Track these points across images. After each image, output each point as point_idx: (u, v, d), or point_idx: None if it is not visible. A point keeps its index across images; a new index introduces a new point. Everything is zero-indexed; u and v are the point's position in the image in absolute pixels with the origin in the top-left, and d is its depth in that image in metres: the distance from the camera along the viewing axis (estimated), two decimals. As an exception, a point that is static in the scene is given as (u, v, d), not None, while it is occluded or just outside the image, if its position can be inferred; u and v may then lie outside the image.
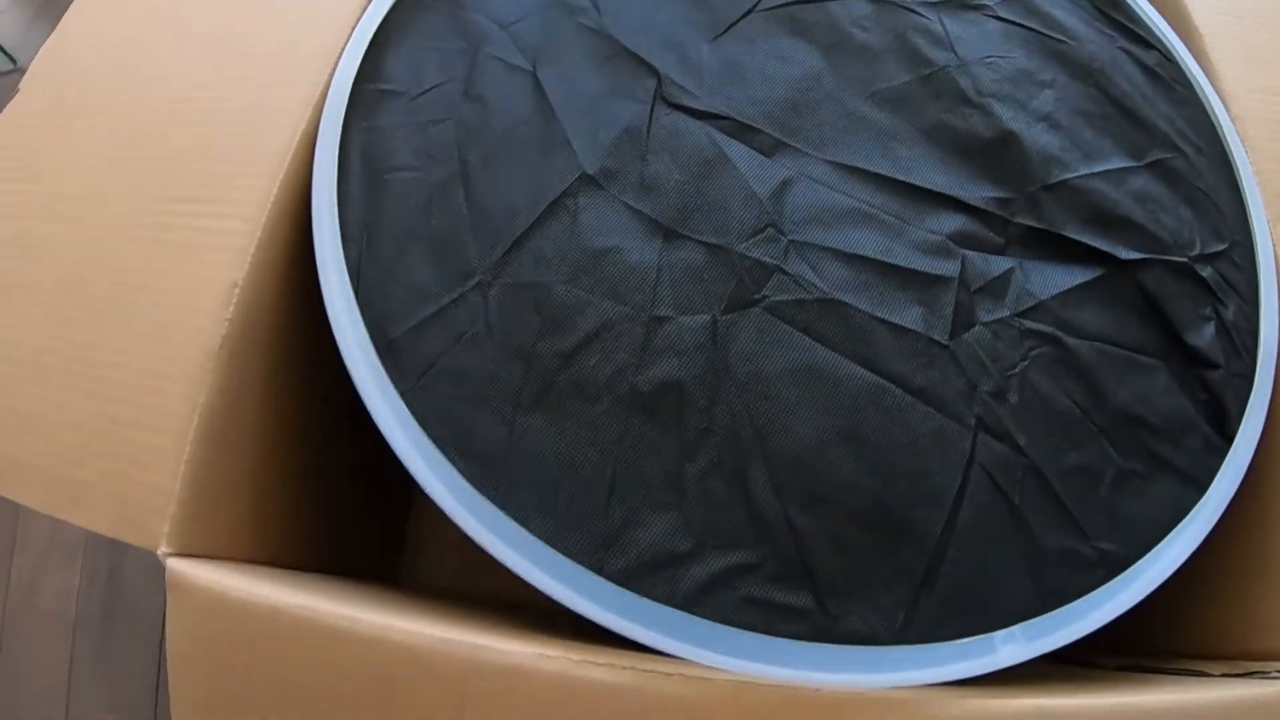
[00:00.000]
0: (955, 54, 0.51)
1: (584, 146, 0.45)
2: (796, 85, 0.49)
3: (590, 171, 0.45)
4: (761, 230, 0.43)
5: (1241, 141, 0.55)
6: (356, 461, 0.61)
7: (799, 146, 0.47)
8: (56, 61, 0.58)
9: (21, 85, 0.57)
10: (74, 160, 0.52)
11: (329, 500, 0.58)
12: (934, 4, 0.53)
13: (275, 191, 0.46)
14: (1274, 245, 0.52)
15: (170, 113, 0.52)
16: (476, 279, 0.42)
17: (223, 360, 0.43)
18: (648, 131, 0.46)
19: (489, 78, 0.48)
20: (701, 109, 0.47)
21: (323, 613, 0.38)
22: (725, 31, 0.50)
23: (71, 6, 0.61)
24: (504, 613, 0.47)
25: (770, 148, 0.46)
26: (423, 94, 0.48)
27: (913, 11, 0.52)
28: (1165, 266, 0.47)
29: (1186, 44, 0.59)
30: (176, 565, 0.41)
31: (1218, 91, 0.57)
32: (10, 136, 0.55)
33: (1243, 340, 0.48)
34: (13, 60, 1.56)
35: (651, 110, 0.47)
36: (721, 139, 0.46)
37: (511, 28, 0.50)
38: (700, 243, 0.43)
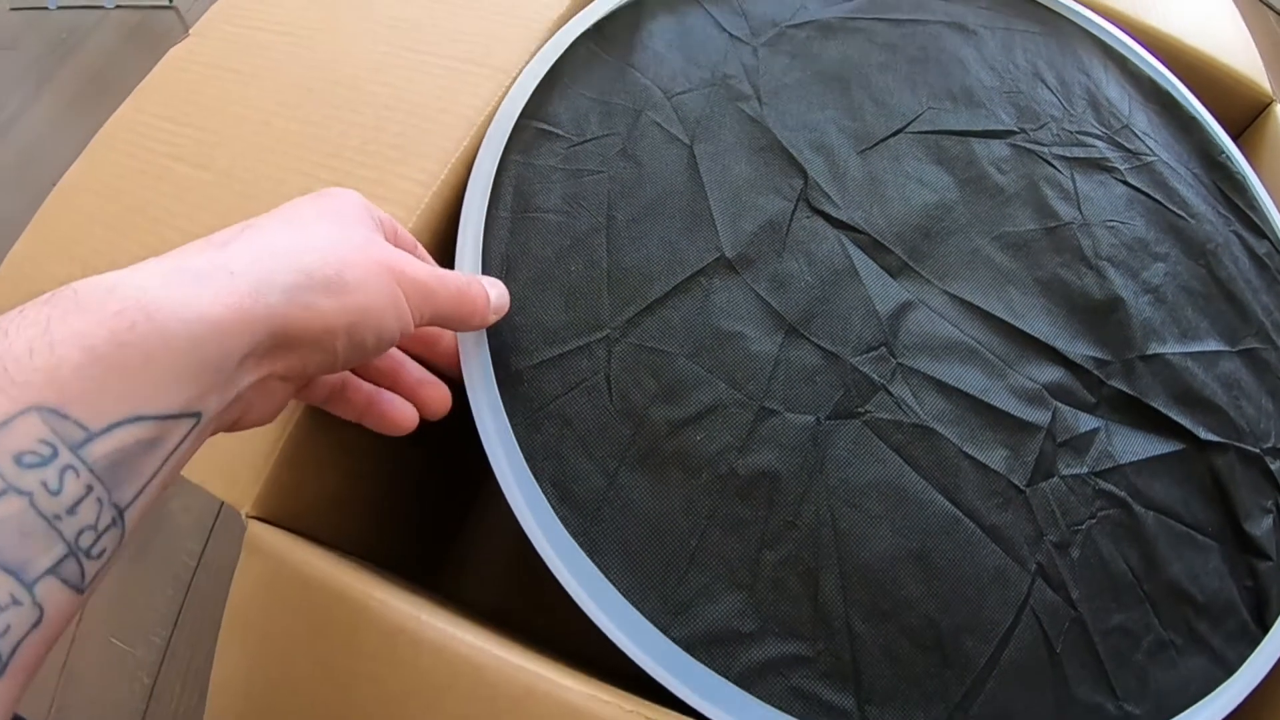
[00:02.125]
0: (1080, 212, 0.53)
1: (726, 229, 0.48)
2: (931, 212, 0.51)
3: (729, 255, 0.47)
4: (875, 348, 0.46)
5: None
6: (432, 476, 0.63)
7: (923, 273, 0.49)
8: (231, 16, 0.60)
9: (193, 30, 0.59)
10: (233, 114, 0.54)
11: (401, 503, 0.60)
12: (1069, 159, 0.55)
13: (428, 199, 0.49)
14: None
15: (339, 91, 0.54)
16: (605, 333, 0.45)
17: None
18: (788, 229, 0.48)
19: (648, 142, 0.50)
20: (841, 219, 0.49)
21: (391, 607, 0.40)
22: (874, 146, 0.53)
23: None
24: (541, 649, 0.48)
25: (897, 269, 0.49)
26: (582, 142, 0.50)
27: (1048, 163, 0.54)
28: (1239, 454, 0.49)
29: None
30: (257, 529, 0.43)
31: None
32: (173, 78, 0.57)
33: (1298, 538, 0.49)
34: None
35: (794, 210, 0.49)
36: (854, 251, 0.48)
37: (675, 98, 0.52)
38: (818, 346, 0.45)
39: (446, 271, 0.39)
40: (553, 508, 0.42)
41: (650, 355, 0.44)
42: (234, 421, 0.34)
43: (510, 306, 0.45)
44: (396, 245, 0.40)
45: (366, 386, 0.43)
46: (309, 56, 0.56)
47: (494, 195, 0.49)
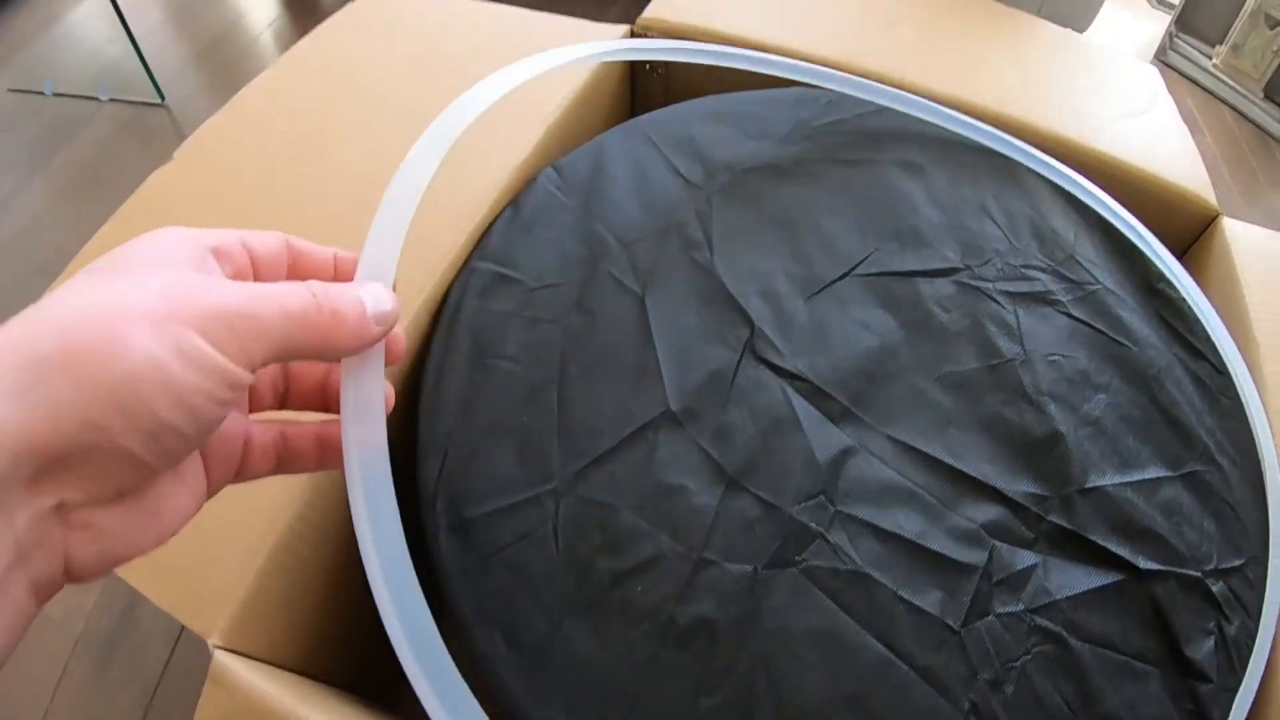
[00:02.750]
0: (1023, 348, 0.55)
1: (673, 382, 0.50)
2: (874, 356, 0.53)
3: (674, 409, 0.49)
4: (814, 496, 0.47)
5: (1277, 456, 0.57)
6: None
7: (865, 418, 0.51)
8: (213, 143, 0.63)
9: (177, 154, 0.62)
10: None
11: (373, 628, 0.61)
12: (1012, 294, 0.57)
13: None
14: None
15: (308, 231, 0.56)
16: (554, 485, 0.47)
17: (308, 489, 0.48)
18: (733, 380, 0.50)
19: (601, 292, 0.53)
20: (785, 367, 0.51)
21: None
22: (820, 291, 0.55)
23: (238, 96, 0.67)
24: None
25: (839, 415, 0.51)
26: (540, 289, 0.53)
27: (992, 299, 0.56)
28: (1179, 580, 0.50)
29: (1244, 353, 0.62)
30: (223, 659, 0.45)
31: (1264, 404, 0.60)
32: (153, 203, 0.60)
33: (1241, 656, 0.50)
34: (162, 95, 1.64)
35: (740, 360, 0.51)
36: (797, 400, 0.50)
37: (630, 247, 0.55)
38: (757, 497, 0.47)
39: (281, 285, 0.30)
40: (500, 652, 0.44)
41: (596, 508, 0.46)
42: (50, 580, 0.26)
43: (465, 453, 0.47)
44: (258, 273, 0.33)
45: (309, 425, 0.36)
46: (285, 194, 0.59)
47: (451, 338, 0.51)
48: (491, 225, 0.57)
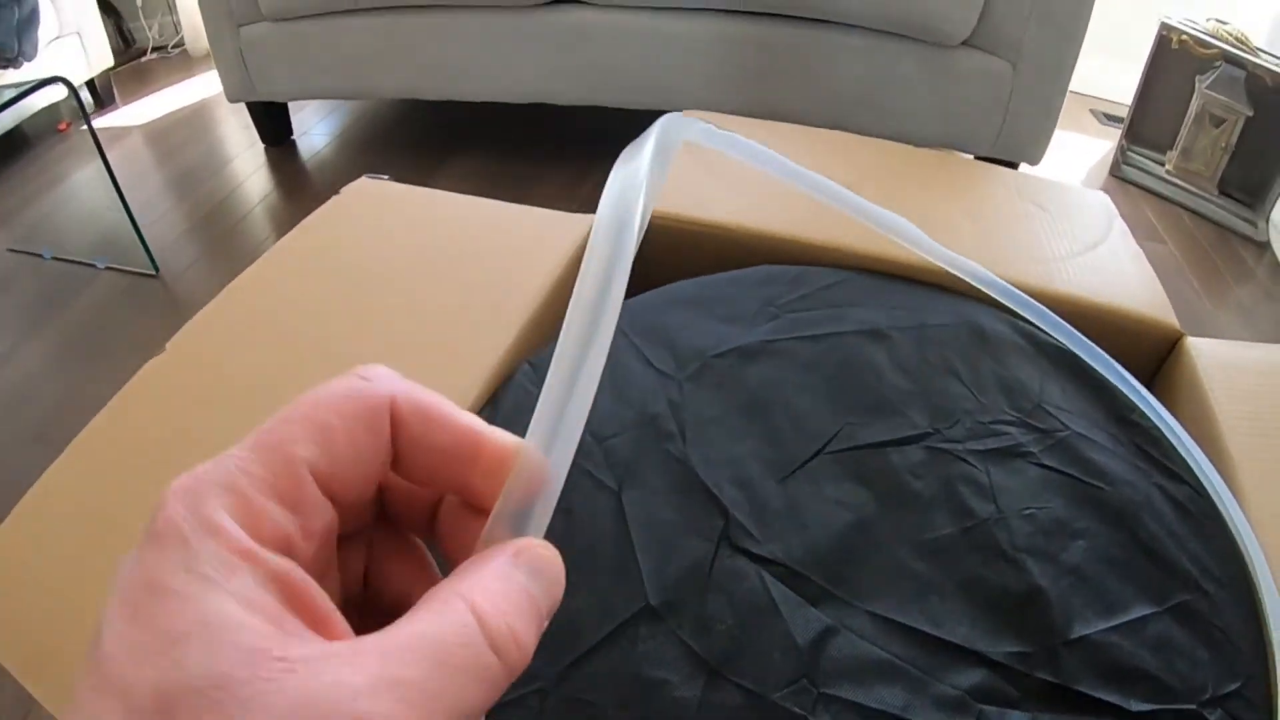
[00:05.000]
0: (996, 505, 0.56)
1: (652, 576, 0.52)
2: (849, 533, 0.55)
3: (654, 603, 0.51)
4: (796, 681, 0.49)
5: (1268, 568, 0.58)
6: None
7: (843, 596, 0.52)
8: (205, 332, 0.67)
9: (170, 344, 0.66)
10: (194, 438, 0.59)
11: None
12: (982, 452, 0.59)
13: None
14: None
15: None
16: (538, 685, 0.49)
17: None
18: (710, 571, 0.52)
19: (579, 492, 0.55)
20: (761, 554, 0.53)
21: None
22: (793, 473, 0.57)
23: (229, 287, 0.70)
24: None
25: (817, 597, 0.52)
26: (519, 488, 0.55)
27: (963, 460, 0.58)
28: (1174, 716, 0.50)
29: (1219, 468, 0.63)
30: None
31: (1247, 518, 0.60)
32: (146, 392, 0.63)
33: (1247, 782, 0.51)
34: (156, 267, 1.69)
35: (716, 550, 0.53)
36: (774, 585, 0.52)
37: (606, 443, 0.57)
38: (739, 687, 0.48)
39: (423, 628, 0.21)
40: None
41: (580, 706, 0.48)
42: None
43: None
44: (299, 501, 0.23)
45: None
46: (282, 385, 0.61)
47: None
48: (470, 425, 0.59)
